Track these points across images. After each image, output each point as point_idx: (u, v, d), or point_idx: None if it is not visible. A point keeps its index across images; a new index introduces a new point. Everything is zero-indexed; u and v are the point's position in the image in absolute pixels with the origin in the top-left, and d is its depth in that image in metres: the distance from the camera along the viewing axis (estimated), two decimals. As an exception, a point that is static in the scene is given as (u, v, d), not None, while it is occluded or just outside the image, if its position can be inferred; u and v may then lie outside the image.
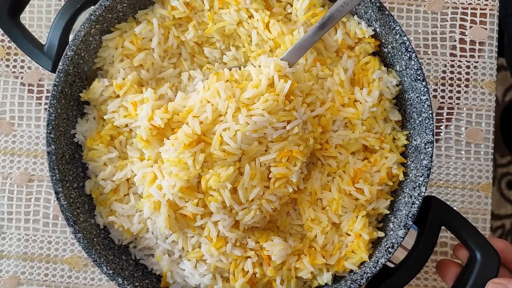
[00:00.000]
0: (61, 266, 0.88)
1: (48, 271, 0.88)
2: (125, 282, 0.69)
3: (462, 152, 0.86)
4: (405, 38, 0.70)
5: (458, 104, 0.87)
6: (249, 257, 0.69)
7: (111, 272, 0.69)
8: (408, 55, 0.70)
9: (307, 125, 0.68)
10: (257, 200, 0.67)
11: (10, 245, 0.88)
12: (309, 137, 0.68)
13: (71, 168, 0.73)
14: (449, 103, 0.87)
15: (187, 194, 0.66)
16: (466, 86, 0.87)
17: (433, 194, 0.86)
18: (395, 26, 0.70)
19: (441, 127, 0.87)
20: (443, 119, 0.87)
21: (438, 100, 0.87)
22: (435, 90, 0.87)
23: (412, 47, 0.69)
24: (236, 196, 0.66)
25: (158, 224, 0.69)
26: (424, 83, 0.69)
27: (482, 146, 0.86)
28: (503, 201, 1.67)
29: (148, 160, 0.70)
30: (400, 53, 0.71)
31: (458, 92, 0.87)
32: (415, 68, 0.69)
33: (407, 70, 0.71)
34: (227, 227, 0.67)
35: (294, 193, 0.70)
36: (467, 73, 0.87)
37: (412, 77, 0.70)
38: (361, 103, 0.72)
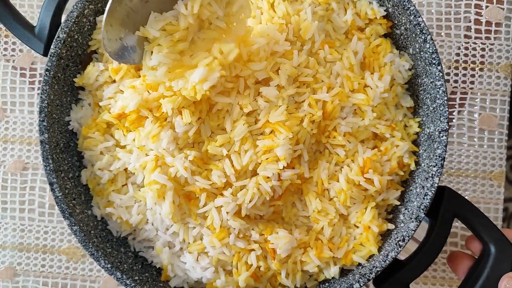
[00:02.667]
0: (58, 256, 0.85)
1: (45, 262, 0.85)
2: (124, 276, 0.66)
3: (475, 139, 0.83)
4: (420, 19, 0.65)
5: (472, 88, 0.83)
6: (253, 249, 0.66)
7: (109, 266, 0.66)
8: (423, 37, 0.65)
9: (303, 105, 0.66)
10: (254, 178, 0.65)
11: (5, 235, 0.85)
12: (304, 117, 0.65)
13: (66, 157, 0.70)
14: (462, 87, 0.83)
15: (199, 165, 0.65)
16: (481, 69, 0.83)
17: (443, 183, 0.82)
18: (409, 6, 0.65)
19: (454, 113, 0.83)
20: (455, 104, 0.83)
21: (451, 85, 0.83)
22: (447, 74, 0.83)
23: (427, 29, 0.65)
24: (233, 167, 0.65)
25: (162, 212, 0.66)
26: (439, 67, 0.65)
27: (496, 133, 0.83)
28: (507, 184, 1.64)
29: (141, 150, 0.67)
30: (414, 35, 0.67)
31: (472, 76, 0.83)
32: (430, 51, 0.65)
33: (421, 53, 0.66)
34: (231, 212, 0.64)
35: (297, 179, 0.67)
36: (482, 56, 0.83)
37: (427, 61, 0.66)
38: (371, 89, 0.68)
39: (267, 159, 0.64)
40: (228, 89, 0.65)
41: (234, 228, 0.66)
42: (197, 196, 0.65)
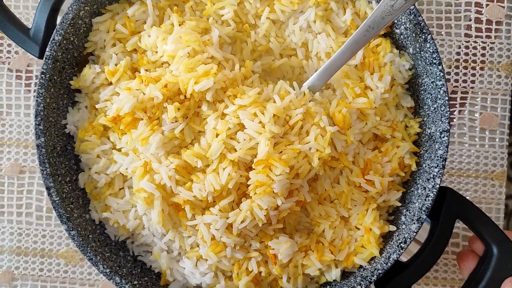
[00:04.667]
0: (57, 260, 0.84)
1: (43, 266, 0.84)
2: (123, 280, 0.65)
3: (476, 139, 0.82)
4: (420, 18, 0.64)
5: (472, 88, 0.82)
6: (253, 257, 0.65)
7: (108, 270, 0.65)
8: (423, 36, 0.64)
9: (307, 139, 0.63)
10: (248, 200, 0.63)
11: (3, 239, 0.84)
12: (313, 155, 0.62)
13: (63, 161, 0.69)
14: (463, 87, 0.82)
15: (183, 174, 0.63)
16: (481, 68, 0.82)
17: (444, 183, 0.82)
18: (409, 5, 0.64)
19: (454, 113, 0.82)
20: (456, 104, 0.82)
21: (452, 84, 0.82)
22: (448, 74, 0.82)
23: (428, 28, 0.64)
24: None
25: (152, 220, 0.65)
26: (440, 67, 0.64)
27: (497, 132, 0.82)
28: (507, 181, 1.64)
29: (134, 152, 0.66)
30: (414, 35, 0.66)
31: (473, 75, 0.82)
32: (431, 51, 0.64)
33: (422, 53, 0.66)
34: (221, 230, 0.63)
35: (296, 206, 0.64)
36: (483, 55, 0.82)
37: (427, 60, 0.65)
38: (371, 90, 0.67)
39: (260, 192, 0.61)
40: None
41: (230, 243, 0.64)
42: (183, 207, 0.64)
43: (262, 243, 0.65)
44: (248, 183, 0.63)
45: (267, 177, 0.61)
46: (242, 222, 0.62)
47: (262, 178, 0.61)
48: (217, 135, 0.63)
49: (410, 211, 0.66)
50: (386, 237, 0.68)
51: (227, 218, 0.63)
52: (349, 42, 0.64)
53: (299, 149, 0.62)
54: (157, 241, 0.67)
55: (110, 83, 0.68)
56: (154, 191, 0.63)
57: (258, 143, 0.62)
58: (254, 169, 0.62)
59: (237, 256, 0.65)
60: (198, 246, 0.66)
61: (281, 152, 0.62)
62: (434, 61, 0.64)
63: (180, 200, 0.63)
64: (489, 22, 0.82)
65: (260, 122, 0.62)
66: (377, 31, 0.63)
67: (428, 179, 0.65)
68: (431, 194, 0.64)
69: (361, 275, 0.66)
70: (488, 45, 0.82)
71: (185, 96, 0.64)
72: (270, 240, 0.65)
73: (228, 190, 0.63)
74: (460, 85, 0.82)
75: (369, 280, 0.64)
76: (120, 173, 0.68)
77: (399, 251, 0.64)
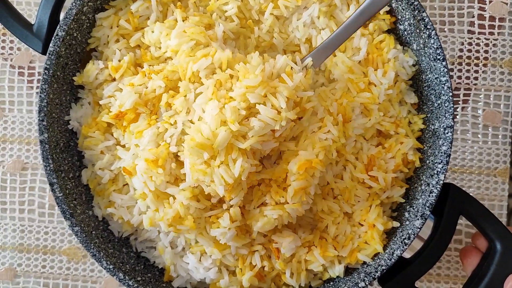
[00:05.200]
0: (59, 257, 0.84)
1: (46, 263, 0.84)
2: (127, 277, 0.65)
3: (479, 135, 0.82)
4: (424, 14, 0.64)
5: (475, 84, 0.82)
6: (257, 250, 0.65)
7: (111, 267, 0.65)
8: (427, 32, 0.64)
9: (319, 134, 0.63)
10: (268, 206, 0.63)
11: (5, 236, 0.84)
12: (332, 149, 0.63)
13: (66, 157, 0.69)
14: (466, 83, 0.82)
15: (152, 167, 0.61)
16: (485, 65, 0.82)
17: (447, 180, 0.82)
18: (413, 1, 0.64)
19: (457, 109, 0.82)
20: (459, 100, 0.82)
21: (455, 81, 0.82)
22: (451, 70, 0.82)
23: (432, 24, 0.64)
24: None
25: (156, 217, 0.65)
26: (444, 63, 0.64)
27: (500, 129, 0.82)
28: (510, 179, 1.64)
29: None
30: (418, 31, 0.66)
31: (476, 71, 0.82)
32: (435, 47, 0.64)
33: (425, 49, 0.66)
34: (229, 239, 0.63)
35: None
36: (486, 52, 0.82)
37: (431, 56, 0.65)
38: (375, 86, 0.67)
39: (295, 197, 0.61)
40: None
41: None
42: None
43: (265, 236, 0.65)
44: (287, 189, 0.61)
45: (306, 181, 0.61)
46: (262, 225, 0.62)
47: (302, 184, 0.60)
48: (223, 122, 0.59)
49: (414, 207, 0.66)
50: (389, 233, 0.68)
51: (235, 223, 0.62)
52: (350, 21, 0.64)
53: (320, 139, 0.62)
54: (162, 237, 0.67)
55: (114, 79, 0.68)
56: (144, 189, 0.63)
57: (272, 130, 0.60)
58: (264, 157, 0.62)
59: (241, 252, 0.65)
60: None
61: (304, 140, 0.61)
62: (438, 57, 0.64)
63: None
64: (492, 18, 0.82)
65: (272, 105, 0.59)
66: (376, 11, 0.63)
67: (431, 175, 0.65)
68: (435, 190, 0.64)
69: (365, 271, 0.66)
70: (491, 42, 0.82)
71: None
72: (274, 233, 0.65)
73: (240, 183, 0.61)
74: (463, 81, 0.82)
75: (373, 276, 0.64)
76: (124, 168, 0.68)
77: (403, 247, 0.64)
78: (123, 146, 0.68)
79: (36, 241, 0.84)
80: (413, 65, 0.69)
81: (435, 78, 0.65)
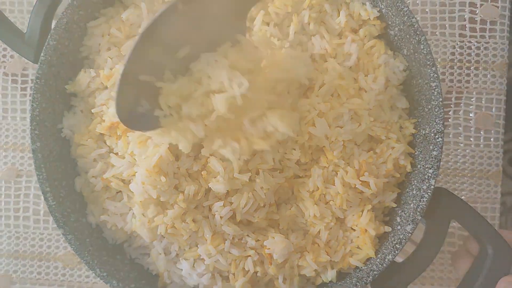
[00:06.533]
0: (55, 263, 0.84)
1: (41, 269, 0.85)
2: (120, 284, 0.65)
3: (471, 138, 0.82)
4: (413, 19, 0.65)
5: (467, 87, 0.82)
6: (249, 256, 0.66)
7: (105, 274, 0.65)
8: (417, 38, 0.65)
9: None
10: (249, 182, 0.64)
11: (1, 243, 0.85)
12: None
13: (59, 165, 0.69)
14: (457, 86, 0.83)
15: (152, 175, 0.62)
16: (476, 68, 0.82)
17: (440, 183, 0.82)
18: (403, 6, 0.65)
19: (450, 113, 0.83)
20: (451, 104, 0.83)
21: (446, 84, 0.82)
22: (443, 74, 0.82)
23: (421, 30, 0.64)
24: None
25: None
26: (433, 68, 0.64)
27: (492, 132, 0.82)
28: (505, 178, 1.64)
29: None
30: (408, 36, 0.66)
31: (468, 75, 0.82)
32: (424, 52, 0.64)
33: (416, 54, 0.66)
34: (225, 218, 0.64)
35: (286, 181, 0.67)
36: (477, 55, 0.82)
37: (421, 62, 0.65)
38: (366, 92, 0.67)
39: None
40: None
41: (229, 234, 0.65)
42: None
43: (258, 241, 0.66)
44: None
45: None
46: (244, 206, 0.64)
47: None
48: None
49: (405, 212, 0.67)
50: (381, 238, 0.68)
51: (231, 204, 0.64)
52: None
53: None
54: (156, 243, 0.68)
55: (106, 87, 0.68)
56: (144, 196, 0.63)
57: None
58: None
59: (233, 253, 0.65)
60: (196, 245, 0.66)
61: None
62: (428, 63, 0.64)
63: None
64: (483, 22, 0.82)
65: None
66: None
67: (422, 180, 0.65)
68: (426, 195, 0.64)
69: (357, 276, 0.66)
70: (482, 45, 0.82)
71: None
72: (266, 239, 0.65)
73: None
74: (455, 85, 0.83)
75: (365, 281, 0.65)
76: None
77: (395, 251, 0.64)
78: (117, 154, 0.68)
79: (32, 248, 0.85)
80: (404, 70, 0.69)
81: (425, 83, 0.66)
